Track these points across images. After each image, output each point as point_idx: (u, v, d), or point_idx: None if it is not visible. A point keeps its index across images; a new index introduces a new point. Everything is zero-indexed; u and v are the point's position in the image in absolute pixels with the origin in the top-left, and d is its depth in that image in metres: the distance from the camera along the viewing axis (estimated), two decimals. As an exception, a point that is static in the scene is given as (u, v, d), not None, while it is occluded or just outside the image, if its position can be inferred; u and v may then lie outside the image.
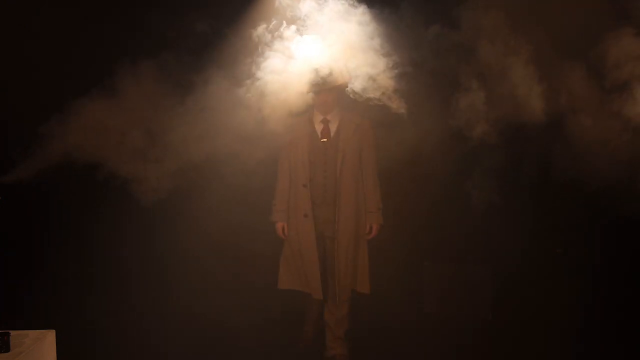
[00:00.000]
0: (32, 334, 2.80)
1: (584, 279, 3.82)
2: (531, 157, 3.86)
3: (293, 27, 3.68)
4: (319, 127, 3.82)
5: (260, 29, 3.68)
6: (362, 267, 3.79)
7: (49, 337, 2.83)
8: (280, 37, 3.69)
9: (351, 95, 3.66)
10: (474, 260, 3.89)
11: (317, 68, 3.55)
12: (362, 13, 3.67)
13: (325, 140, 3.79)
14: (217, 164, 3.83)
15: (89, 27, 3.87)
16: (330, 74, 3.56)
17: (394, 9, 3.71)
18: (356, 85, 3.67)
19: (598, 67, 3.32)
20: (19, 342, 2.69)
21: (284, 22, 3.67)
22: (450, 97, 3.69)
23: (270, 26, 3.69)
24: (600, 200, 3.72)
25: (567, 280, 3.83)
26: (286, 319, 4.09)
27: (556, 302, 3.82)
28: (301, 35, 3.68)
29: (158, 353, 3.82)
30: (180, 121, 3.77)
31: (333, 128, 3.80)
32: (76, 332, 3.63)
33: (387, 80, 3.68)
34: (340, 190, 3.74)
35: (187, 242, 3.92)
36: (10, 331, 2.67)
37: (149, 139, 3.76)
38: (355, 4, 3.67)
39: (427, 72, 3.71)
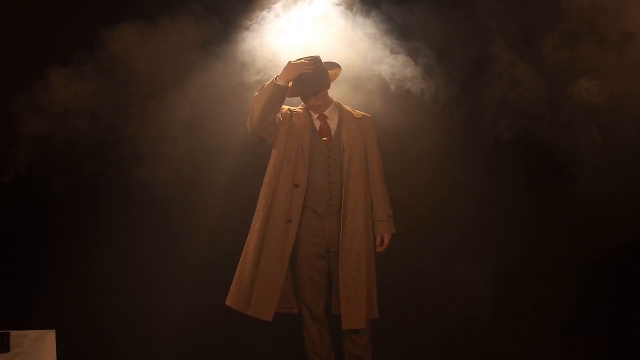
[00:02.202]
0: (32, 334, 2.81)
1: (584, 279, 3.81)
2: (533, 156, 3.85)
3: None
4: (316, 124, 3.39)
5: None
6: (374, 289, 3.38)
7: (49, 337, 2.84)
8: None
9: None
10: (474, 260, 3.88)
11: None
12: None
13: (325, 139, 3.36)
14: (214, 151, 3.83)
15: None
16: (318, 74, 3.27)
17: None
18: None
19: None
20: (19, 342, 2.69)
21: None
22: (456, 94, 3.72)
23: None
24: (600, 199, 3.73)
25: (567, 280, 3.83)
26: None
27: (556, 301, 3.81)
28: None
29: (158, 353, 3.82)
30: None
31: (333, 125, 3.39)
32: (76, 333, 3.63)
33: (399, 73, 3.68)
34: (347, 197, 3.29)
35: (188, 240, 3.92)
36: (10, 331, 2.67)
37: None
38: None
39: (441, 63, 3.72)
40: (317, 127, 3.38)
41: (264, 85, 3.26)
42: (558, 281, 3.82)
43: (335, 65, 3.43)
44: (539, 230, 3.86)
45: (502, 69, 3.66)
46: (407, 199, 3.74)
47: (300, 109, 3.44)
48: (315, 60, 3.28)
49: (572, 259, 3.83)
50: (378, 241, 3.40)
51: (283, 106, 3.37)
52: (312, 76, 3.26)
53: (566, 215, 3.80)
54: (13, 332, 2.72)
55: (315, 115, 3.39)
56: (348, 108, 3.46)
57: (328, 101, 3.41)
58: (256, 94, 3.27)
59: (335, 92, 3.51)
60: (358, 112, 3.47)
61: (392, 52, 3.67)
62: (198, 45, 3.71)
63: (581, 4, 3.34)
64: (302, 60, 3.24)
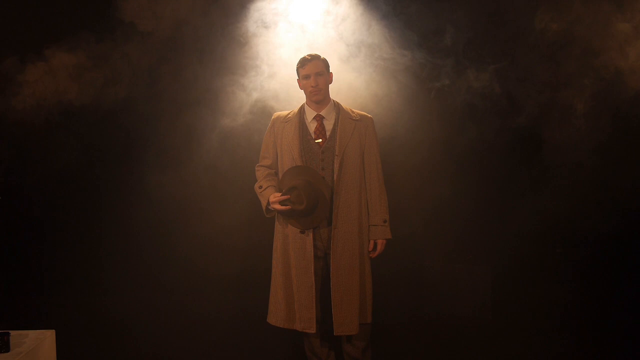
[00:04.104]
0: (32, 334, 2.81)
1: (584, 279, 3.82)
2: (532, 155, 3.86)
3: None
4: (312, 126, 3.29)
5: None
6: (368, 294, 3.30)
7: (49, 337, 2.84)
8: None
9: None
10: (474, 260, 3.88)
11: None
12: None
13: (320, 141, 3.27)
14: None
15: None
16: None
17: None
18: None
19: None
20: (19, 342, 2.70)
21: None
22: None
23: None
24: (600, 199, 3.74)
25: (567, 280, 3.83)
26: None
27: (556, 301, 3.82)
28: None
29: (158, 353, 3.82)
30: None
31: (329, 126, 3.28)
32: (76, 332, 3.63)
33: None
34: (339, 201, 3.21)
35: (189, 240, 3.92)
36: (10, 331, 2.67)
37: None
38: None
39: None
40: (312, 129, 3.30)
41: (261, 187, 3.33)
42: (557, 281, 3.82)
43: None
44: (539, 230, 3.86)
45: (497, 74, 3.73)
46: (406, 199, 3.74)
47: (291, 114, 3.37)
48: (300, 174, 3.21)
49: (571, 258, 3.83)
50: (371, 246, 3.31)
51: (273, 117, 3.40)
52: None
53: (566, 215, 3.80)
54: (13, 332, 2.72)
55: (311, 116, 3.32)
56: (347, 108, 3.36)
57: (327, 99, 3.35)
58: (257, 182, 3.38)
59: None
60: (357, 113, 3.36)
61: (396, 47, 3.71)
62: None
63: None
64: (280, 198, 3.19)
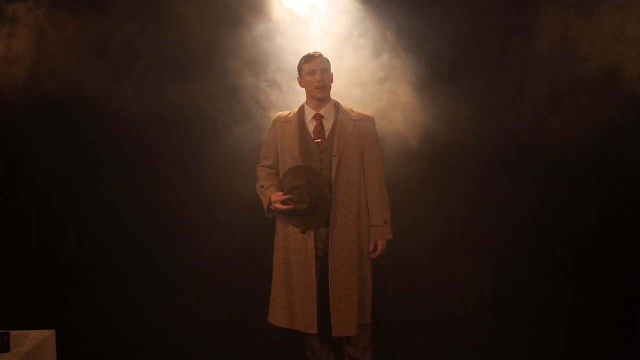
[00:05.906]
0: (32, 334, 2.82)
1: (584, 278, 3.82)
2: (532, 154, 3.86)
3: None
4: (311, 126, 3.30)
5: None
6: (368, 295, 3.31)
7: (49, 337, 2.85)
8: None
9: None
10: (474, 260, 3.88)
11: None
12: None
13: (319, 141, 3.28)
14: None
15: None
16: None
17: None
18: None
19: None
20: (19, 342, 2.71)
21: None
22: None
23: None
24: (601, 198, 3.74)
25: (567, 280, 3.83)
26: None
27: (556, 301, 3.82)
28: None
29: (158, 353, 3.82)
30: None
31: (328, 126, 3.28)
32: (76, 332, 3.63)
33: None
34: (337, 201, 3.22)
35: (189, 241, 3.91)
36: (10, 331, 2.68)
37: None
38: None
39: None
40: (312, 129, 3.30)
41: (262, 187, 3.35)
42: (557, 280, 3.82)
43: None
44: (538, 230, 3.86)
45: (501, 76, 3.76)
46: (405, 198, 3.74)
47: (291, 114, 3.38)
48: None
49: (571, 258, 3.83)
50: (371, 247, 3.32)
51: (274, 117, 3.42)
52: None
53: (566, 215, 3.81)
54: (13, 332, 2.73)
55: (310, 115, 3.33)
56: (347, 108, 3.36)
57: (328, 98, 3.34)
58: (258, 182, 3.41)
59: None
60: (357, 113, 3.36)
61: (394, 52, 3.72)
62: None
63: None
64: (282, 198, 3.22)
